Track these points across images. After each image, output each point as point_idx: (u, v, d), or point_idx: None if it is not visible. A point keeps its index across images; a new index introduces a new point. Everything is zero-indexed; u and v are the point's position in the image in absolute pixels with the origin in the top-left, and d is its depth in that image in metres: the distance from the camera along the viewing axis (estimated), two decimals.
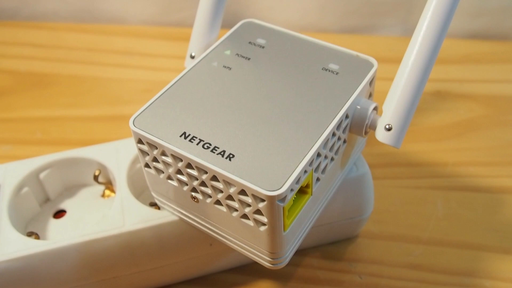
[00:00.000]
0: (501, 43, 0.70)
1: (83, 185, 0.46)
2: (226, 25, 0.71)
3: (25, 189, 0.42)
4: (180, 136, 0.32)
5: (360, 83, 0.36)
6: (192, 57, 0.41)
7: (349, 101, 0.34)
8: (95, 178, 0.43)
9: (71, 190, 0.46)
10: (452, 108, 0.60)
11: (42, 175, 0.43)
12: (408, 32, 0.72)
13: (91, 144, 0.52)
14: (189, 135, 0.32)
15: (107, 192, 0.44)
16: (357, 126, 0.36)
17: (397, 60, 0.65)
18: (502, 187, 0.52)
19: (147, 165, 0.35)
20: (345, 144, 0.37)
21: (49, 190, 0.44)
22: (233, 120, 0.33)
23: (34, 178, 0.43)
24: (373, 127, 0.36)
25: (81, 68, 0.66)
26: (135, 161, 0.42)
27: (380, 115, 0.35)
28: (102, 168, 0.44)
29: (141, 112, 0.34)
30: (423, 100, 0.61)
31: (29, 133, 0.58)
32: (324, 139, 0.32)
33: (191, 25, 0.58)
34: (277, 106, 0.34)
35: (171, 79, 0.53)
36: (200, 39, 0.41)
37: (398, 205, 0.50)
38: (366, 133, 0.36)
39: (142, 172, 0.37)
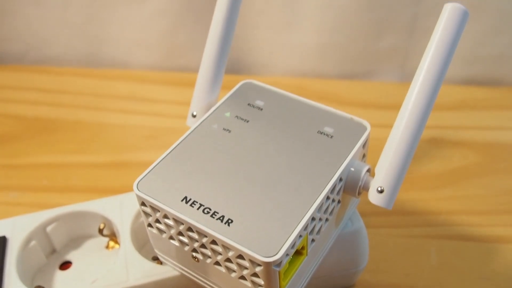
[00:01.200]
0: (496, 89, 0.72)
1: (88, 236, 0.47)
2: (229, 71, 0.73)
3: (33, 243, 0.43)
4: (182, 200, 0.34)
5: (354, 147, 0.37)
6: (194, 116, 0.43)
7: (342, 165, 0.36)
8: (100, 231, 0.45)
9: (76, 241, 0.47)
10: (447, 156, 0.61)
11: (49, 228, 0.44)
12: (404, 78, 0.73)
13: (96, 191, 0.56)
14: (190, 199, 0.34)
15: (111, 243, 0.46)
16: (351, 187, 0.37)
17: (394, 106, 0.65)
18: (495, 236, 0.53)
19: (150, 225, 0.37)
20: (339, 204, 0.38)
21: (56, 242, 0.45)
22: (232, 184, 0.35)
23: (41, 231, 0.44)
24: (366, 188, 0.37)
25: (86, 114, 0.67)
26: (138, 215, 0.44)
27: (373, 176, 0.37)
28: (107, 222, 0.45)
29: (145, 175, 0.35)
30: (419, 147, 0.59)
31: (35, 180, 0.58)
32: (319, 204, 0.34)
33: (193, 70, 0.59)
34: (274, 170, 0.35)
35: (174, 126, 0.59)
36: (201, 98, 0.43)
37: (393, 254, 0.51)
38: (359, 193, 0.38)
39: (145, 225, 0.39)
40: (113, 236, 0.46)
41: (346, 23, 0.68)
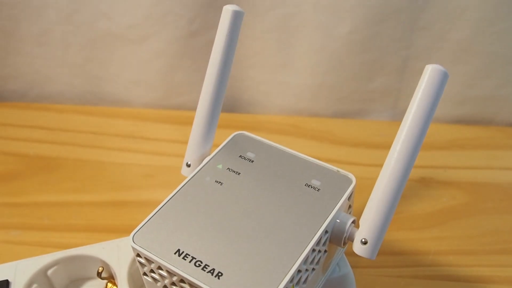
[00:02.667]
0: (486, 128, 0.73)
1: (88, 278, 0.49)
2: (225, 109, 0.72)
3: (34, 286, 0.45)
4: (175, 253, 0.36)
5: (339, 200, 0.39)
6: (188, 166, 0.44)
7: (328, 218, 0.37)
8: (99, 274, 0.46)
9: (76, 283, 0.48)
10: (436, 196, 0.62)
11: (50, 272, 0.46)
12: (396, 117, 0.74)
13: (96, 230, 0.57)
14: (182, 252, 0.36)
15: (110, 285, 0.47)
16: (336, 239, 0.39)
17: (385, 145, 0.65)
18: (482, 276, 0.54)
19: (145, 274, 0.38)
20: (326, 254, 0.39)
21: (56, 284, 0.47)
22: (222, 237, 0.37)
23: (42, 274, 0.45)
24: (351, 239, 0.39)
25: (86, 152, 0.68)
26: (134, 259, 0.45)
27: (358, 227, 0.38)
28: (105, 265, 0.46)
29: (140, 228, 0.37)
30: (408, 187, 0.63)
31: (36, 219, 0.58)
32: (305, 257, 0.35)
33: (190, 108, 0.60)
34: (263, 223, 0.37)
35: (171, 164, 0.59)
36: (195, 149, 0.44)
37: None
38: (344, 244, 0.39)
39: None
40: (111, 279, 0.47)
41: (339, 65, 0.69)
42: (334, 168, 0.41)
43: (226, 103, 0.72)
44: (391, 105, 0.73)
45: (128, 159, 0.67)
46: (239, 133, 0.44)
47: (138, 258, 0.37)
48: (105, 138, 0.70)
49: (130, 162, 0.67)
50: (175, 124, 0.72)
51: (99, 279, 0.47)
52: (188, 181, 0.40)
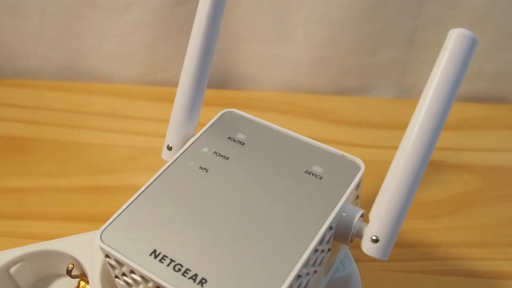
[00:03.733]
0: (500, 107, 0.68)
1: (57, 276, 0.44)
2: (214, 85, 0.71)
3: None
4: (150, 254, 0.31)
5: (346, 190, 0.33)
6: (170, 149, 0.39)
7: (333, 212, 0.32)
8: (68, 272, 0.41)
9: (44, 281, 0.44)
10: (446, 181, 0.57)
11: (13, 270, 0.41)
12: (402, 94, 0.70)
13: (72, 218, 0.52)
14: (159, 253, 0.30)
15: (82, 283, 0.42)
16: (342, 235, 0.34)
17: (390, 125, 0.63)
18: (497, 271, 0.49)
19: (116, 277, 0.33)
20: (329, 252, 0.34)
21: (21, 283, 0.42)
22: (208, 235, 0.31)
23: (4, 273, 0.41)
24: (359, 236, 0.34)
25: (63, 132, 0.64)
26: None
27: (367, 222, 0.33)
28: (76, 262, 0.41)
29: (110, 223, 0.32)
30: None
31: (7, 206, 0.54)
32: (306, 260, 0.30)
33: (177, 84, 0.57)
34: (255, 218, 0.32)
35: (155, 145, 0.55)
36: (177, 130, 0.39)
37: None
38: (351, 241, 0.34)
39: None
40: (83, 276, 0.42)
41: (341, 36, 0.65)
42: (339, 152, 0.36)
43: (216, 79, 0.70)
44: (397, 81, 0.69)
45: (109, 140, 0.63)
46: (228, 111, 0.39)
47: (108, 259, 0.31)
48: (84, 117, 0.66)
49: (111, 143, 0.62)
50: (160, 102, 0.67)
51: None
52: (168, 167, 0.35)
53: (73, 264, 0.42)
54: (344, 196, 0.33)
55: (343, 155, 0.36)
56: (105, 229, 0.32)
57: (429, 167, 0.56)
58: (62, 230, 0.51)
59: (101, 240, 0.31)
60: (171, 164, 0.35)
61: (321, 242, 0.32)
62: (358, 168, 0.35)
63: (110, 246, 0.31)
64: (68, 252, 0.41)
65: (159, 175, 0.35)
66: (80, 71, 0.72)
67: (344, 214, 0.33)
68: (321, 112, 0.68)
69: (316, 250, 0.31)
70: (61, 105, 0.68)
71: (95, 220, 0.54)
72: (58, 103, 0.68)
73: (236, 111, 0.39)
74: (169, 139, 0.39)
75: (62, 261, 0.42)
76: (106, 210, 0.55)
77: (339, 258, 0.38)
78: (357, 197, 0.36)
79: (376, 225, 0.32)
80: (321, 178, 0.34)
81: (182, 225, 0.32)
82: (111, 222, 0.32)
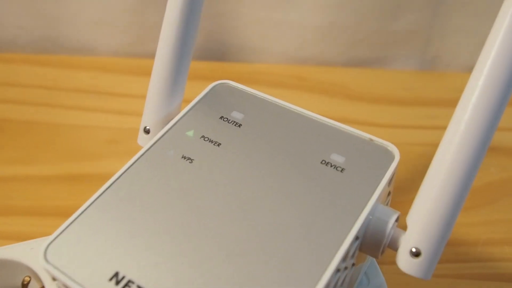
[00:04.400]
0: None
1: None
2: (210, 57, 0.66)
3: None
4: (111, 279, 0.23)
5: (376, 186, 0.26)
6: (147, 132, 0.32)
7: (360, 217, 0.25)
8: (24, 286, 0.36)
9: None
10: (482, 165, 0.50)
11: None
12: (426, 65, 0.65)
13: (43, 213, 0.48)
14: (123, 277, 0.23)
15: None
16: (371, 246, 0.27)
17: (413, 101, 0.58)
18: None
19: None
20: (353, 268, 0.27)
21: None
22: (191, 250, 0.24)
23: None
24: (393, 246, 0.26)
25: (36, 112, 0.58)
26: None
27: (403, 229, 0.26)
28: (33, 274, 0.35)
29: (57, 236, 0.25)
30: None
31: None
32: (326, 284, 0.22)
33: None
34: (255, 229, 0.25)
35: None
36: (156, 109, 0.32)
37: None
38: (382, 253, 0.27)
39: None
40: None
41: None
42: (365, 135, 0.29)
43: (212, 49, 0.65)
44: (420, 50, 0.63)
45: (89, 120, 0.57)
46: (221, 83, 0.32)
47: (57, 282, 0.23)
48: (60, 94, 0.60)
49: (91, 124, 0.57)
50: (148, 76, 0.59)
51: None
52: (140, 157, 0.28)
53: (29, 277, 0.36)
54: (374, 194, 0.26)
55: (371, 140, 0.29)
56: (50, 243, 0.25)
57: None
58: (30, 227, 0.46)
59: (45, 259, 0.24)
60: (144, 153, 0.28)
61: (344, 259, 0.24)
62: (391, 156, 0.28)
63: (57, 268, 0.24)
64: (24, 261, 0.35)
65: (127, 169, 0.27)
66: (57, 43, 0.67)
67: (374, 218, 0.26)
68: (333, 86, 0.63)
69: (337, 270, 0.24)
70: (34, 81, 0.62)
71: (70, 215, 0.48)
72: (32, 79, 0.63)
73: (231, 82, 0.32)
74: (146, 120, 0.32)
75: (17, 272, 0.36)
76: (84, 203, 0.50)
77: (363, 269, 0.32)
78: (389, 194, 0.29)
79: (417, 234, 0.25)
80: (342, 170, 0.27)
81: (156, 237, 0.24)
82: (59, 234, 0.25)
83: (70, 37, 0.67)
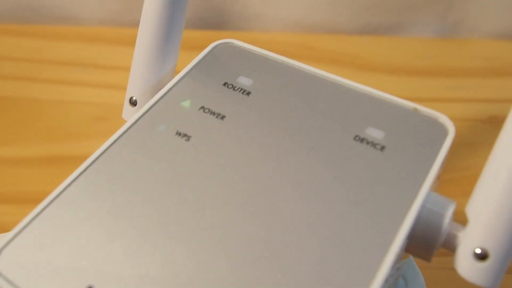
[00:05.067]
0: None
1: None
2: (208, 25, 0.63)
3: None
4: None
5: (428, 171, 0.21)
6: (134, 104, 0.27)
7: (410, 212, 0.19)
8: None
9: None
10: None
11: None
12: (446, 32, 0.61)
13: (22, 201, 0.45)
14: None
15: None
16: (422, 245, 0.21)
17: (434, 71, 0.54)
18: None
19: None
20: (398, 272, 0.22)
21: None
22: (192, 258, 0.18)
23: None
24: (449, 246, 0.21)
25: (16, 87, 0.55)
26: None
27: (462, 223, 0.21)
28: None
29: (13, 238, 0.20)
30: (472, 131, 0.50)
31: None
32: None
33: None
34: (271, 231, 0.19)
35: None
36: (144, 74, 0.27)
37: None
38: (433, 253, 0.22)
39: None
40: None
41: None
42: (408, 103, 0.23)
43: (210, 17, 0.62)
44: (440, 15, 0.60)
45: (74, 95, 0.54)
46: (224, 43, 0.27)
47: None
48: (44, 67, 0.58)
49: (76, 100, 0.54)
50: None
51: None
52: (124, 133, 0.23)
53: None
54: (426, 179, 0.20)
55: (415, 109, 0.23)
56: (4, 247, 0.19)
57: (488, 124, 0.51)
58: (7, 216, 0.43)
59: None
60: (127, 129, 0.23)
61: (393, 265, 0.19)
62: (443, 130, 0.22)
63: (11, 282, 0.18)
64: None
65: (105, 150, 0.22)
66: (39, 11, 0.65)
67: (426, 210, 0.21)
68: (345, 56, 0.60)
69: (386, 281, 0.18)
70: (14, 53, 0.60)
71: None
72: (12, 51, 0.60)
73: (236, 41, 0.27)
74: (132, 89, 0.28)
75: None
76: None
77: (401, 270, 0.25)
78: (438, 179, 0.23)
79: (482, 230, 0.20)
80: (382, 148, 0.22)
81: (143, 239, 0.19)
82: (16, 235, 0.20)
83: (54, 5, 0.64)
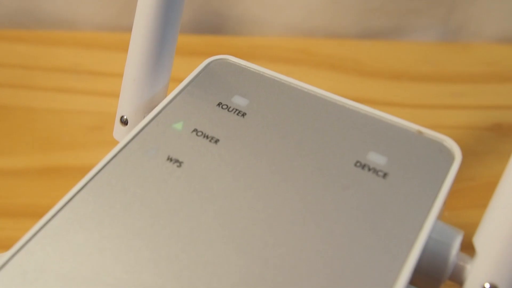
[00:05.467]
0: None
1: None
2: (205, 30, 0.62)
3: None
4: None
5: (434, 199, 0.20)
6: (125, 123, 0.27)
7: (417, 244, 0.19)
8: None
9: None
10: None
11: None
12: (449, 36, 0.61)
13: (14, 214, 0.45)
14: None
15: None
16: (427, 279, 0.20)
17: (437, 76, 0.53)
18: None
19: None
20: None
21: None
22: None
23: None
24: (456, 279, 0.20)
25: (9, 94, 0.55)
26: None
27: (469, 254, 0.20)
28: None
29: (5, 264, 0.19)
30: (478, 139, 0.49)
31: None
32: None
33: None
34: (270, 266, 0.18)
35: None
36: (136, 91, 0.26)
37: None
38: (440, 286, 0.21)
39: None
40: None
41: None
42: (411, 125, 0.22)
43: (208, 21, 0.62)
44: (442, 18, 0.60)
45: (69, 104, 0.54)
46: (218, 59, 0.26)
47: None
48: (38, 74, 0.57)
49: (71, 108, 0.53)
50: None
51: None
52: (113, 158, 0.22)
53: None
54: (432, 209, 0.20)
55: (419, 132, 0.23)
56: None
57: (492, 132, 0.50)
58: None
59: None
60: (117, 153, 0.22)
61: None
62: (449, 155, 0.21)
63: None
64: None
65: (94, 176, 0.21)
66: (37, 16, 0.64)
67: (432, 241, 0.20)
68: (345, 61, 0.59)
69: None
70: (8, 59, 0.59)
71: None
72: (5, 57, 0.60)
73: (231, 58, 0.26)
74: (123, 107, 0.27)
75: None
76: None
77: None
78: (444, 206, 0.22)
79: (491, 264, 0.19)
80: (385, 175, 0.21)
81: (132, 276, 0.18)
82: (8, 261, 0.18)
83: (49, 10, 0.64)
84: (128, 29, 0.61)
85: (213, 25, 0.64)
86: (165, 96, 0.26)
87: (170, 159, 0.22)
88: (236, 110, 0.23)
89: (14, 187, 0.46)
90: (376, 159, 0.21)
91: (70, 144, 0.50)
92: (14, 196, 0.46)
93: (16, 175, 0.48)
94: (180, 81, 0.28)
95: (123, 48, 0.58)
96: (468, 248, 0.22)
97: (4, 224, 0.44)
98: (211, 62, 0.26)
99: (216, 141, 0.22)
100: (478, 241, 0.20)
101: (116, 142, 0.44)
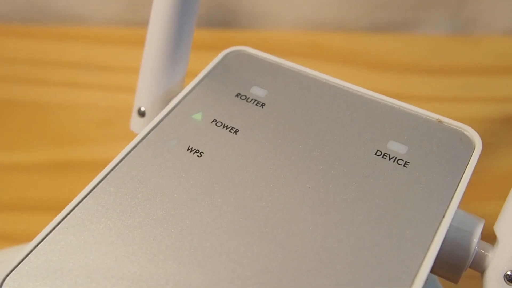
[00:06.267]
0: None
1: None
2: (216, 23, 0.62)
3: None
4: None
5: (455, 188, 0.20)
6: (142, 115, 0.26)
7: (439, 233, 0.18)
8: None
9: None
10: None
11: None
12: (459, 28, 0.60)
13: (28, 208, 0.45)
14: None
15: None
16: (449, 267, 0.20)
17: (448, 69, 0.53)
18: None
19: None
20: None
21: None
22: (199, 283, 0.17)
23: None
24: (478, 268, 0.20)
25: (20, 90, 0.54)
26: None
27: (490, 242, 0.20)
28: None
29: (18, 266, 0.18)
30: (489, 132, 0.49)
31: None
32: None
33: None
34: (289, 255, 0.18)
35: None
36: (153, 83, 0.26)
37: None
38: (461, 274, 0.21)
39: None
40: None
41: None
42: (431, 114, 0.22)
43: (219, 15, 0.61)
44: (453, 12, 0.59)
45: (79, 98, 0.53)
46: (236, 50, 0.26)
47: None
48: (48, 69, 0.56)
49: (82, 103, 0.53)
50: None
51: None
52: (133, 149, 0.22)
53: None
54: (454, 197, 0.19)
55: (439, 121, 0.22)
56: (11, 272, 0.18)
57: (504, 125, 0.50)
58: (12, 225, 0.43)
59: None
60: (136, 144, 0.22)
61: None
62: (469, 144, 0.21)
63: None
64: None
65: (113, 167, 0.21)
66: (46, 12, 0.64)
67: (453, 229, 0.20)
68: (355, 55, 0.59)
69: None
70: (18, 55, 0.59)
71: (59, 210, 0.44)
72: (16, 52, 0.59)
73: (249, 49, 0.26)
74: (141, 99, 0.27)
75: None
76: (75, 195, 0.46)
77: None
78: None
79: None
80: (405, 164, 0.21)
81: (155, 264, 0.18)
82: (21, 262, 0.18)
83: (59, 5, 0.64)
84: (138, 23, 0.60)
85: (224, 20, 0.64)
86: (182, 88, 0.26)
87: (190, 149, 0.22)
88: (255, 100, 0.23)
89: (26, 182, 0.46)
90: (396, 148, 0.21)
91: (81, 138, 0.50)
92: (27, 191, 0.46)
93: (28, 170, 0.47)
94: (193, 74, 0.28)
95: (133, 42, 0.57)
96: (484, 238, 0.23)
97: (18, 218, 0.44)
98: (229, 53, 0.26)
99: (236, 131, 0.22)
100: (499, 228, 0.20)
101: (127, 136, 0.44)
